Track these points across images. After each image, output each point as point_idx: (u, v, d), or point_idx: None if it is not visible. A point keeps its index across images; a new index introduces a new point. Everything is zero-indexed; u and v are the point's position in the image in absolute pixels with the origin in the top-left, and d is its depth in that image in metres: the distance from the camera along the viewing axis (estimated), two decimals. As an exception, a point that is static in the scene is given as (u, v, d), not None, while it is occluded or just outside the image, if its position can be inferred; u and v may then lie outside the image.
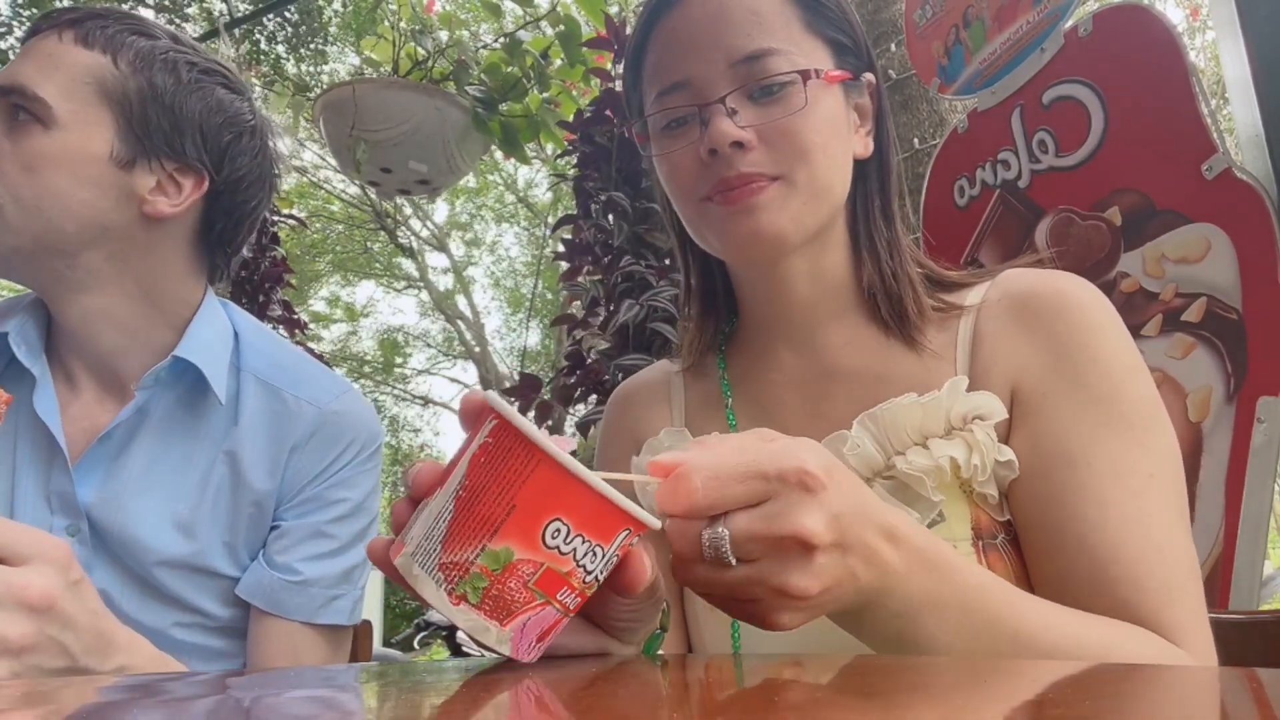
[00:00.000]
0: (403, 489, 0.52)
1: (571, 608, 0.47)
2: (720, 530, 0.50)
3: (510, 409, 0.46)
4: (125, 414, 0.90)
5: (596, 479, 0.45)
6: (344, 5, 5.92)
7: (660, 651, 0.61)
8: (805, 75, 0.74)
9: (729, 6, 0.75)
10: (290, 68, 6.00)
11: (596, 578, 0.47)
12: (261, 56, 5.52)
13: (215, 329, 0.96)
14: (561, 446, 0.45)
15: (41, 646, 0.58)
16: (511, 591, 0.45)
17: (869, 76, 0.83)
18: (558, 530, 0.45)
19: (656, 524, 0.47)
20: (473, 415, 0.49)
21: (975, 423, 0.71)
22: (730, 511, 0.50)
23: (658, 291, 2.20)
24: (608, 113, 2.45)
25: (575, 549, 0.45)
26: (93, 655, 0.62)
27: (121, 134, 0.90)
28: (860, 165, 0.81)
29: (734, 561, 0.50)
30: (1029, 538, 0.70)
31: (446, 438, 16.34)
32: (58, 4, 5.43)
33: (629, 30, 2.51)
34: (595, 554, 0.46)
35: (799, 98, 0.74)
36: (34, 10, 5.11)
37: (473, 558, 0.45)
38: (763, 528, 0.49)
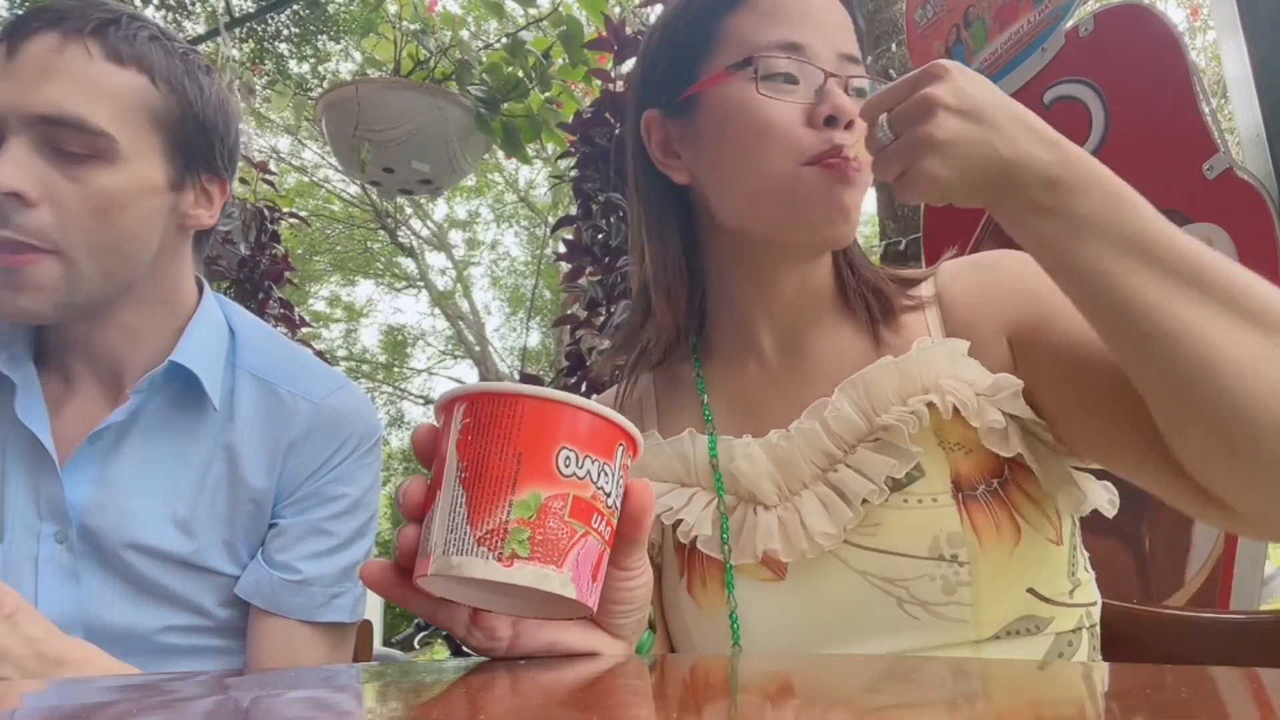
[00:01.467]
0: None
1: (606, 536, 0.49)
2: (881, 119, 0.65)
3: (469, 385, 0.48)
4: (117, 415, 0.89)
5: (577, 398, 0.47)
6: (347, 3, 5.92)
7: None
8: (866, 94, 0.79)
9: (836, 4, 0.81)
10: (292, 67, 6.00)
11: (615, 502, 0.49)
12: (264, 56, 5.52)
13: (211, 329, 0.95)
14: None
15: None
16: (553, 531, 0.46)
17: None
18: (568, 458, 0.47)
19: (641, 437, 0.51)
20: (426, 442, 0.51)
21: (952, 382, 0.74)
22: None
23: (654, 292, 2.20)
24: (607, 115, 2.45)
25: (590, 472, 0.47)
26: (35, 666, 0.62)
27: (169, 157, 0.88)
28: None
29: (892, 136, 0.64)
30: (1114, 395, 0.67)
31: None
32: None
33: (629, 31, 2.52)
34: (606, 473, 0.48)
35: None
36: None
37: (505, 517, 0.45)
38: (903, 103, 0.64)
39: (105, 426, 0.88)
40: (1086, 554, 0.79)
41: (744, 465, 0.77)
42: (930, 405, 0.73)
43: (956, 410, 0.72)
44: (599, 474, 0.48)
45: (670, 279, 0.86)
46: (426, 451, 0.51)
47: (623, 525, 0.51)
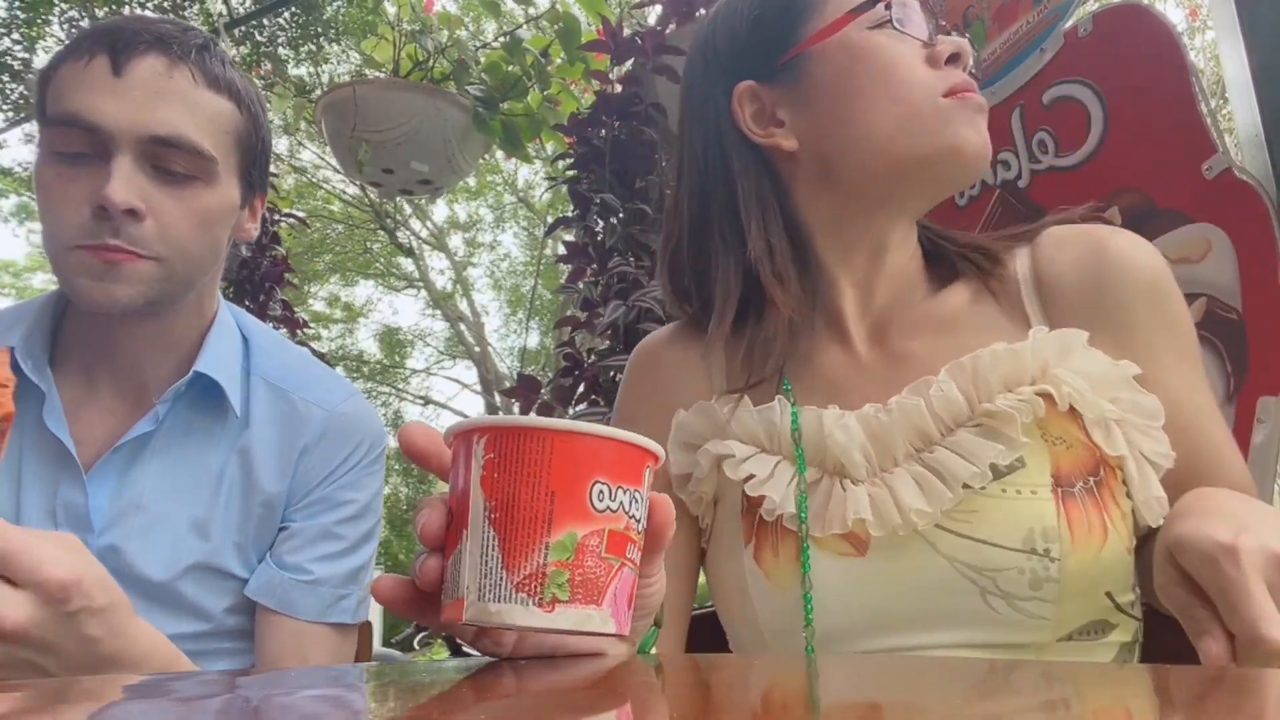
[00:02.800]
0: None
1: (638, 561, 0.48)
2: None
3: (491, 418, 0.46)
4: (144, 425, 0.90)
5: (605, 428, 0.46)
6: (346, 3, 5.92)
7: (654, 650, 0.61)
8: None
9: None
10: (291, 68, 6.00)
11: (643, 525, 0.49)
12: (262, 57, 5.51)
13: (229, 338, 0.97)
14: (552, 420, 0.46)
15: (10, 665, 0.57)
16: (591, 570, 0.45)
17: None
18: (601, 492, 0.45)
19: (662, 451, 0.49)
20: (417, 451, 0.50)
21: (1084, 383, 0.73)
22: None
23: (646, 292, 2.20)
24: (603, 115, 2.45)
25: (622, 503, 0.46)
26: (83, 673, 0.61)
27: (241, 176, 0.93)
28: None
29: None
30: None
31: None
32: (58, 4, 5.43)
33: (626, 32, 2.52)
34: (637, 500, 0.47)
35: None
36: (32, 13, 5.11)
37: (542, 560, 0.44)
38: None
39: (132, 438, 0.89)
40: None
41: (839, 435, 0.75)
42: (1045, 396, 0.72)
43: (1070, 404, 0.73)
44: (630, 503, 0.47)
45: (779, 262, 0.82)
46: (422, 454, 0.50)
47: (650, 538, 0.50)
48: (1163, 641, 0.80)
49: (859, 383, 0.81)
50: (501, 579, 0.44)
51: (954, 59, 0.78)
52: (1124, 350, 0.76)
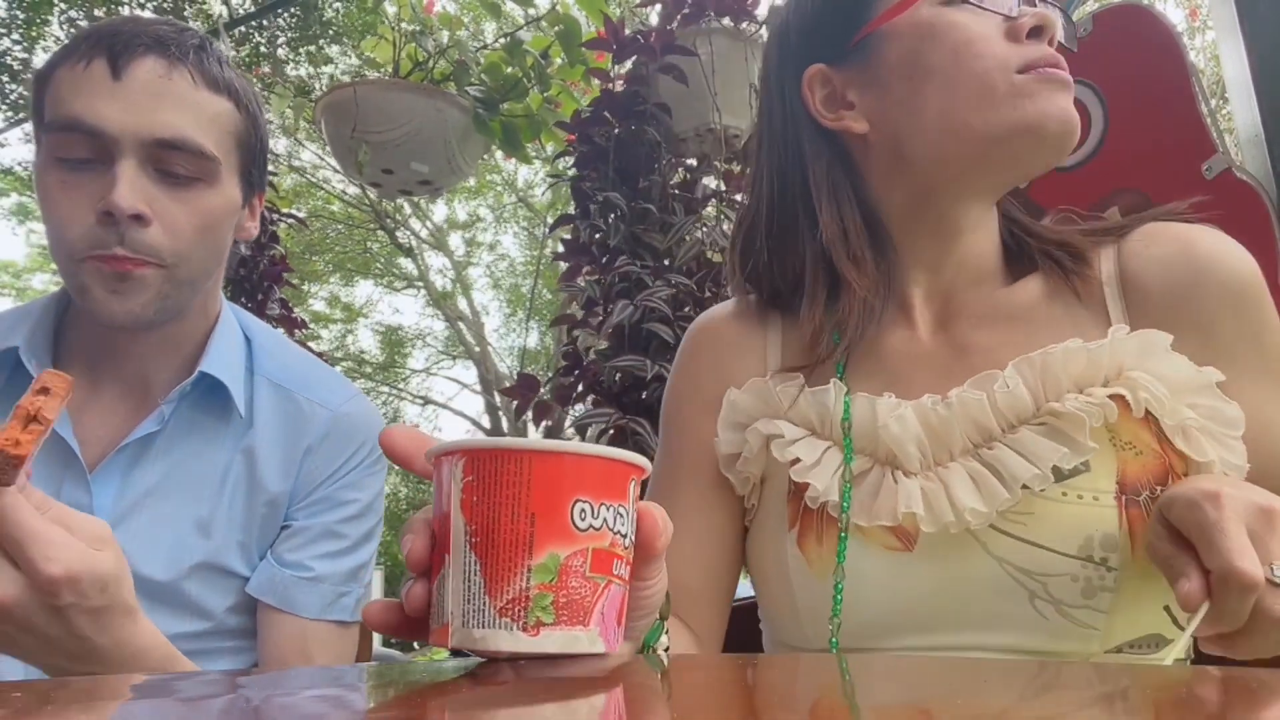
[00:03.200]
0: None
1: (626, 576, 0.47)
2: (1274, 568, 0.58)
3: (469, 440, 0.46)
4: (149, 426, 0.90)
5: (585, 446, 0.45)
6: (344, 3, 5.92)
7: (664, 640, 0.60)
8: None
9: None
10: (290, 69, 6.00)
11: (631, 539, 0.48)
12: (261, 58, 5.52)
13: (232, 338, 0.97)
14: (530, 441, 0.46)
15: None
16: (576, 590, 0.44)
17: None
18: (583, 510, 0.44)
19: (646, 463, 0.48)
20: (399, 454, 0.50)
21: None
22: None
23: (653, 291, 2.20)
24: (605, 114, 2.45)
25: (605, 520, 0.45)
26: (76, 663, 0.62)
27: (242, 176, 0.93)
28: None
29: None
30: None
31: (447, 435, 16.31)
32: (58, 4, 5.43)
33: (628, 31, 2.52)
34: (621, 515, 0.46)
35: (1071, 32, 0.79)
36: (32, 13, 5.11)
37: (525, 584, 0.43)
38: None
39: (137, 438, 0.89)
40: None
41: (894, 426, 0.73)
42: (1118, 398, 0.69)
43: (1146, 410, 0.70)
44: (615, 519, 0.46)
45: (854, 244, 0.80)
46: (404, 457, 0.51)
47: (640, 550, 0.49)
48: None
49: (920, 371, 0.79)
50: (485, 604, 0.44)
51: (1036, 32, 0.74)
52: (1205, 356, 0.72)
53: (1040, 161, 0.76)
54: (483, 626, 0.44)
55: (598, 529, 0.45)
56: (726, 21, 2.45)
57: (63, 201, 0.83)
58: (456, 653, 0.47)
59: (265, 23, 5.57)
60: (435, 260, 14.87)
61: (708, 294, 2.31)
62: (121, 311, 0.85)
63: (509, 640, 0.43)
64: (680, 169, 2.60)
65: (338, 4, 5.97)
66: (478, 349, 14.17)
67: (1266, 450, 0.72)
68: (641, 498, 0.50)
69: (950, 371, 0.77)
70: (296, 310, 3.37)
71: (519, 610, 0.43)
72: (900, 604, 0.72)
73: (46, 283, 12.62)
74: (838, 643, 0.73)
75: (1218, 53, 1.60)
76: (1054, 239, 0.81)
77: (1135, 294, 0.76)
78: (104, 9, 5.17)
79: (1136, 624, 0.69)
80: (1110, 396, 0.69)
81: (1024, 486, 0.68)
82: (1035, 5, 0.76)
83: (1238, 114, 1.48)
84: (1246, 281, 0.74)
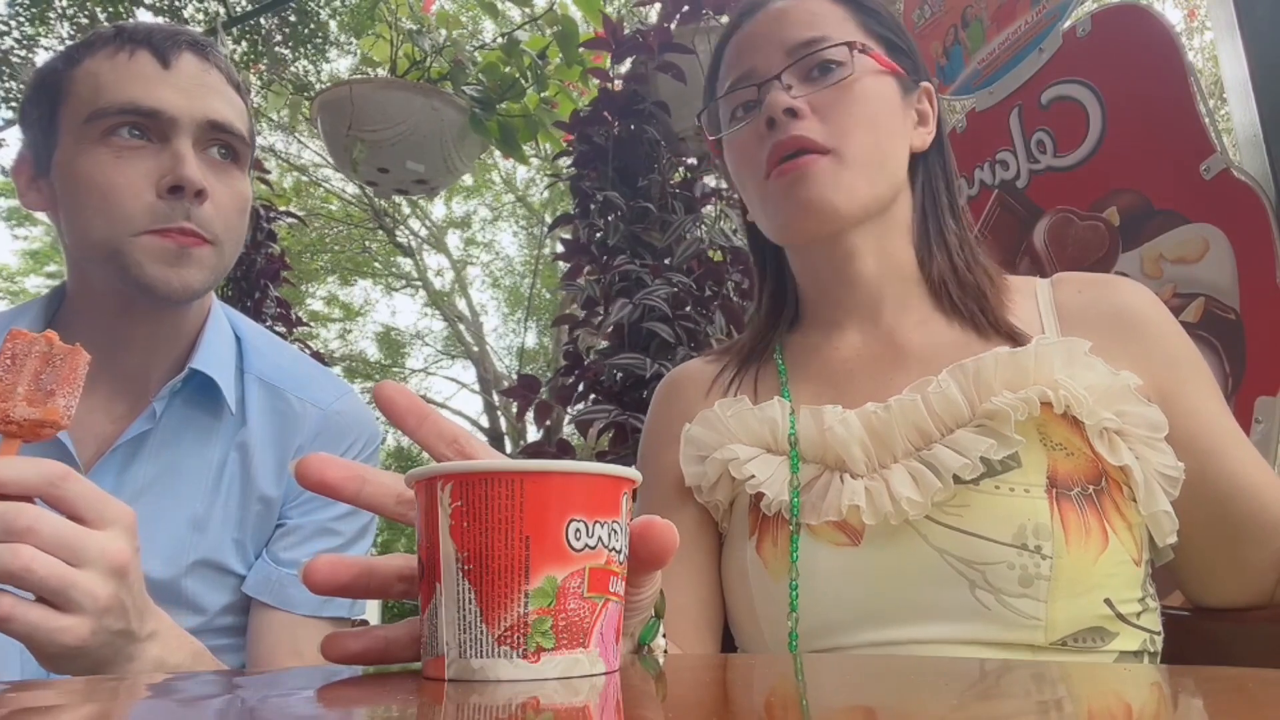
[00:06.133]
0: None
1: (621, 593, 0.47)
2: None
3: (456, 465, 0.45)
4: (141, 425, 0.90)
5: (574, 464, 0.44)
6: (342, 3, 5.91)
7: (661, 642, 0.60)
8: (853, 46, 0.82)
9: (789, 9, 0.85)
10: (290, 68, 5.99)
11: (624, 554, 0.47)
12: (259, 55, 5.50)
13: (222, 335, 0.98)
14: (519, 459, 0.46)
15: (115, 608, 0.60)
16: (574, 612, 0.43)
17: (927, 85, 0.89)
18: (578, 530, 0.43)
19: (637, 475, 0.48)
20: (397, 411, 0.52)
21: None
22: None
23: (652, 290, 2.20)
24: (605, 113, 2.45)
25: (600, 537, 0.44)
26: (139, 619, 0.64)
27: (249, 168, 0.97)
28: (924, 161, 0.88)
29: None
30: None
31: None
32: (57, 4, 5.40)
33: (627, 31, 2.52)
34: (615, 531, 0.45)
35: (848, 69, 0.81)
36: (33, 10, 5.09)
37: (523, 610, 0.42)
38: None
39: (131, 437, 0.89)
40: (1154, 585, 0.78)
41: (839, 430, 0.77)
42: (1043, 400, 0.74)
43: (1067, 409, 0.74)
44: (610, 536, 0.45)
45: (768, 284, 0.95)
46: (401, 414, 0.53)
47: (650, 562, 0.49)
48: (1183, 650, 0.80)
49: (861, 382, 0.84)
50: (482, 633, 0.42)
51: (772, 125, 0.81)
52: (1155, 378, 0.78)
53: (814, 237, 0.84)
54: (481, 656, 0.42)
55: (593, 548, 0.44)
56: (725, 19, 2.45)
57: (116, 181, 0.85)
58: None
59: (263, 21, 5.56)
60: (434, 260, 14.87)
61: (707, 292, 2.31)
62: (180, 285, 0.87)
63: (509, 669, 0.42)
64: (680, 168, 2.60)
65: (335, 2, 5.96)
66: (476, 349, 14.16)
67: (1230, 463, 0.78)
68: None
69: (890, 381, 0.82)
70: (295, 310, 3.37)
71: (518, 637, 0.42)
72: (851, 598, 0.74)
73: (39, 286, 12.57)
74: (796, 643, 0.75)
75: (1216, 53, 1.60)
76: (974, 292, 0.86)
77: (1069, 318, 0.83)
78: (103, 8, 5.15)
79: (1078, 616, 0.71)
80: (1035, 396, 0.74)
81: (956, 477, 0.72)
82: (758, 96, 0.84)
83: (1236, 114, 1.48)
84: (1165, 314, 0.83)
